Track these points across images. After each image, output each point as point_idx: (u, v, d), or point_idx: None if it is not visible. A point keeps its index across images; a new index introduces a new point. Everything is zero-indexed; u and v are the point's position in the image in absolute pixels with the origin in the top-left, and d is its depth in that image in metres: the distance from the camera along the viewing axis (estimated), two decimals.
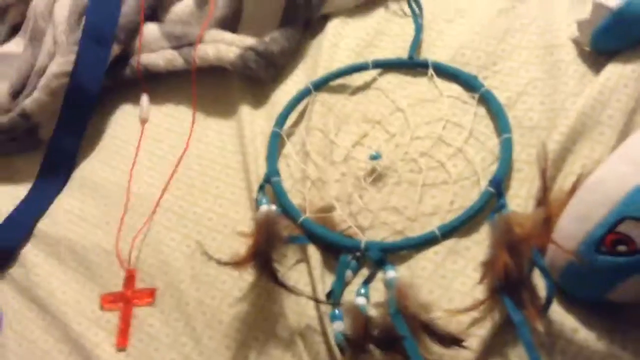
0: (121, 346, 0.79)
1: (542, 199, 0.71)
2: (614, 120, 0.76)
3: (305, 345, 0.71)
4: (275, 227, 0.74)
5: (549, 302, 0.63)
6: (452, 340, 0.64)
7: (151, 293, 0.82)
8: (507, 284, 0.65)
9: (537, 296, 0.66)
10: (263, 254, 0.72)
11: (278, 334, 0.74)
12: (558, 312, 0.65)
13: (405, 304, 0.66)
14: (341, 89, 0.93)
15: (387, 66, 0.94)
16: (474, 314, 0.67)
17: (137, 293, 0.83)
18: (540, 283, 0.67)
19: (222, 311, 0.78)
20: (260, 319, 0.76)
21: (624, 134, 0.76)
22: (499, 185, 0.76)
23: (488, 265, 0.67)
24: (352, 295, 0.72)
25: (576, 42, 0.86)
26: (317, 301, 0.72)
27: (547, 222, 0.67)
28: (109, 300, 0.83)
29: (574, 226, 0.64)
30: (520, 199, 0.76)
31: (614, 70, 0.80)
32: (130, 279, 0.84)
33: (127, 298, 0.83)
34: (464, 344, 0.64)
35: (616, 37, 0.81)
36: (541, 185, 0.72)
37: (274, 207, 0.79)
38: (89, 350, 0.79)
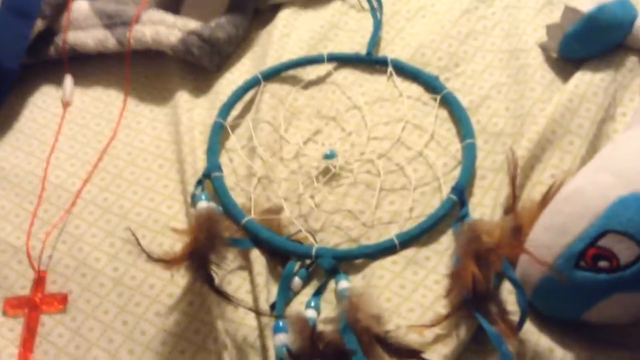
0: (24, 358, 0.68)
1: (511, 207, 0.66)
2: (584, 130, 0.72)
3: (250, 356, 0.62)
4: (217, 225, 0.65)
5: (523, 317, 0.57)
6: (409, 353, 0.57)
7: (63, 299, 0.71)
8: (474, 296, 0.59)
9: (507, 311, 0.60)
10: (200, 255, 0.63)
11: (208, 347, 0.65)
12: (531, 331, 0.59)
13: (357, 316, 0.59)
14: (293, 81, 0.85)
15: (344, 61, 0.87)
16: (437, 330, 0.60)
17: (46, 298, 0.71)
18: (508, 299, 0.61)
19: (147, 320, 0.68)
20: (191, 331, 0.67)
21: (593, 145, 0.72)
22: (462, 192, 0.70)
23: (455, 276, 0.61)
24: (301, 307, 0.64)
25: (543, 48, 0.82)
26: (257, 313, 0.63)
27: (518, 232, 0.62)
28: (13, 305, 0.72)
29: (549, 238, 0.59)
30: (485, 207, 0.70)
31: (582, 78, 0.76)
32: (39, 281, 0.73)
33: (34, 303, 0.71)
34: (424, 356, 0.57)
35: (586, 43, 0.78)
36: (510, 193, 0.66)
37: (214, 205, 0.70)
38: None
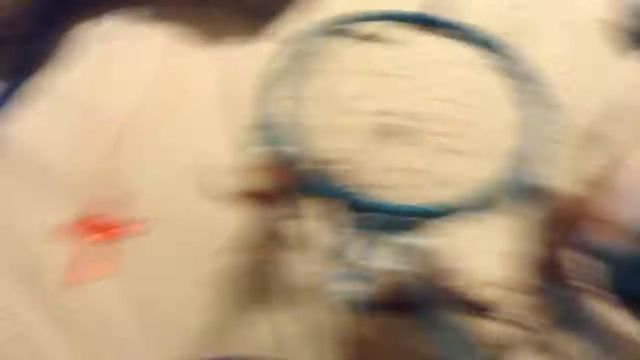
0: (100, 276, 0.64)
1: (588, 179, 0.64)
2: None
3: (301, 301, 0.61)
4: (279, 170, 0.63)
5: (605, 288, 0.55)
6: (482, 309, 0.56)
7: (140, 225, 0.67)
8: (550, 265, 0.57)
9: (581, 282, 0.58)
10: (267, 195, 0.62)
11: (270, 288, 0.63)
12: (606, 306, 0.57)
13: (432, 270, 0.58)
14: (348, 36, 0.81)
15: (403, 20, 0.83)
16: (509, 292, 0.58)
17: (126, 222, 0.67)
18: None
19: (211, 256, 0.64)
20: (255, 271, 0.64)
21: None
22: (524, 161, 0.68)
23: (532, 244, 0.59)
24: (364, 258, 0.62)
25: (609, 24, 0.80)
26: (320, 259, 0.61)
27: (595, 205, 0.60)
28: (86, 226, 0.67)
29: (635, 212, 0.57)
30: (546, 178, 0.68)
31: None
32: (115, 206, 0.68)
33: (107, 226, 0.67)
34: (495, 314, 0.56)
35: None
36: (585, 165, 0.65)
37: (269, 150, 0.67)
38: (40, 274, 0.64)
